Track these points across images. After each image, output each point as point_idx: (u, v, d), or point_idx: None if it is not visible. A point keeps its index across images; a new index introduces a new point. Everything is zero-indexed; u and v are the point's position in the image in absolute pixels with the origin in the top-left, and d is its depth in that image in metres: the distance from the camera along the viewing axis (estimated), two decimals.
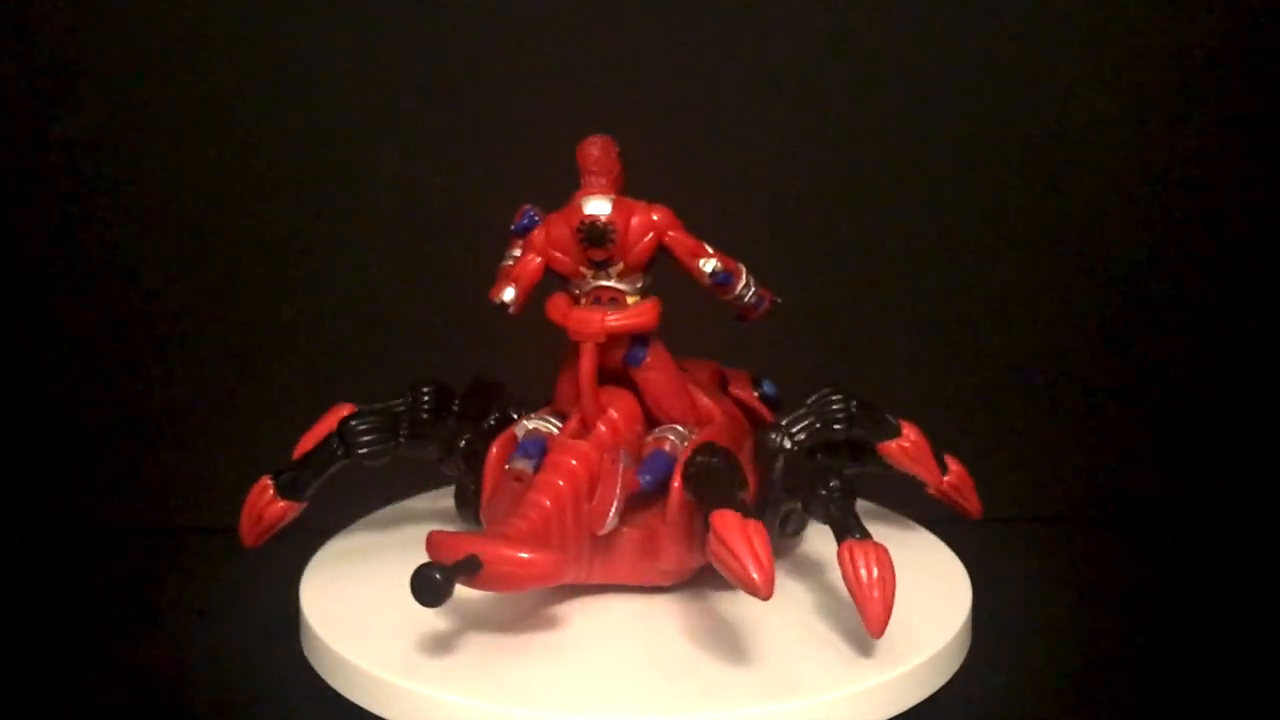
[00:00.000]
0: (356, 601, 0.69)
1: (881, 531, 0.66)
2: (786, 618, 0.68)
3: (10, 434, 0.96)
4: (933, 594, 0.70)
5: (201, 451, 0.97)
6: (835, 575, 0.71)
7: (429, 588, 0.59)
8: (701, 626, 0.67)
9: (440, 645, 0.64)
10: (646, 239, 0.67)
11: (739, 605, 0.68)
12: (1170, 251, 0.97)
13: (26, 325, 0.95)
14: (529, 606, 0.69)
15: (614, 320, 0.67)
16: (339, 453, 0.70)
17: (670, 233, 0.67)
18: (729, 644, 0.65)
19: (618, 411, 0.69)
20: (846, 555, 0.61)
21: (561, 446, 0.67)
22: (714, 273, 0.67)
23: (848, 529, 0.62)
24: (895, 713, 0.62)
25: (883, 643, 0.64)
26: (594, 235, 0.67)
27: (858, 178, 0.97)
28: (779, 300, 0.71)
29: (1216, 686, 0.74)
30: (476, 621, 0.67)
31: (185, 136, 0.94)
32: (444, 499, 0.81)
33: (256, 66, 0.94)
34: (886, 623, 0.60)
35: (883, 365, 0.98)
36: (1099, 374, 0.99)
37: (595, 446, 0.67)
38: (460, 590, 0.68)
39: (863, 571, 0.60)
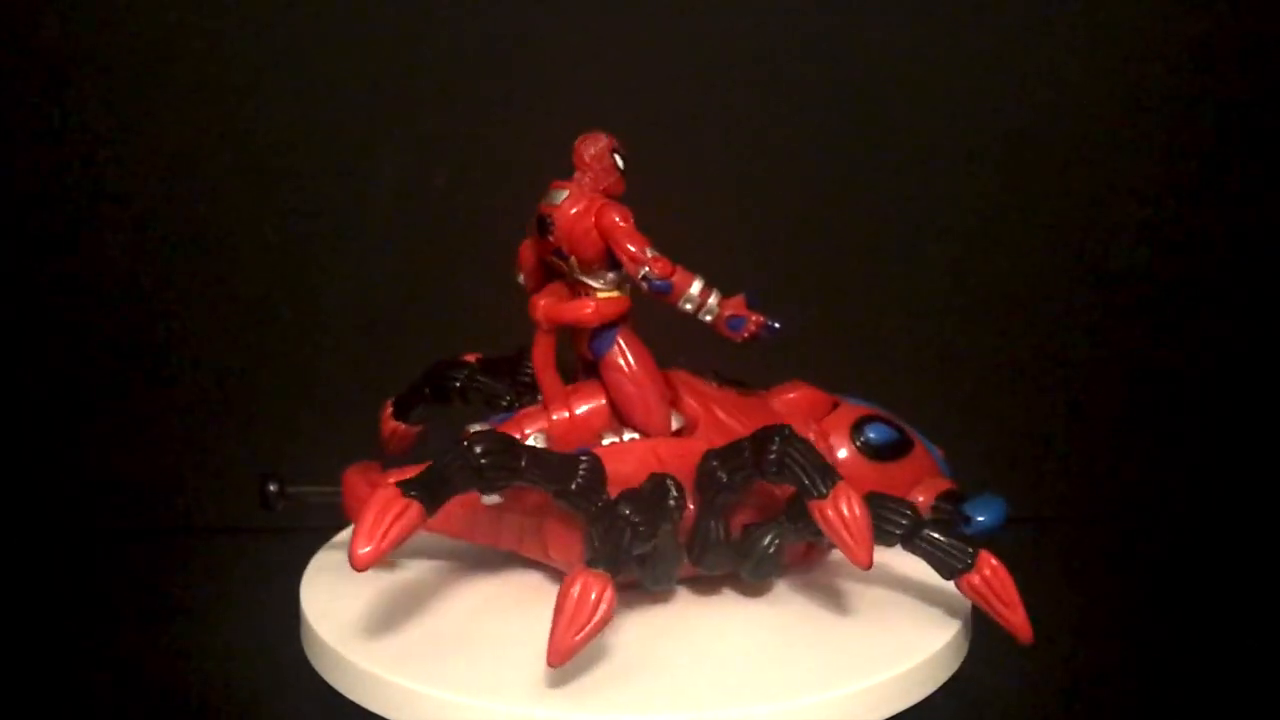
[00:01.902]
0: (357, 601, 0.69)
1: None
2: (788, 617, 0.68)
3: (10, 434, 0.96)
4: (933, 594, 0.70)
5: (202, 451, 0.97)
6: (837, 578, 0.72)
7: (261, 494, 0.71)
8: (703, 626, 0.67)
9: (440, 644, 0.64)
10: (591, 235, 0.67)
11: (741, 605, 0.69)
12: (1171, 251, 0.97)
13: (26, 325, 0.95)
14: (530, 606, 0.69)
15: (548, 309, 0.69)
16: (425, 391, 0.76)
17: (611, 233, 0.67)
18: (730, 643, 0.65)
19: (581, 403, 0.69)
20: (571, 579, 0.60)
21: (511, 422, 0.69)
22: (645, 278, 0.67)
23: (596, 557, 0.61)
24: (895, 712, 0.62)
25: (883, 643, 0.64)
26: (538, 225, 0.69)
27: (858, 177, 0.97)
28: (775, 326, 0.69)
29: (1217, 686, 0.74)
30: (477, 621, 0.67)
31: (186, 137, 0.94)
32: None
33: (258, 66, 0.94)
34: (567, 657, 0.59)
35: (883, 365, 0.98)
36: (1100, 374, 0.99)
37: (526, 426, 0.69)
38: (461, 591, 0.68)
39: (573, 596, 0.59)
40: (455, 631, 0.66)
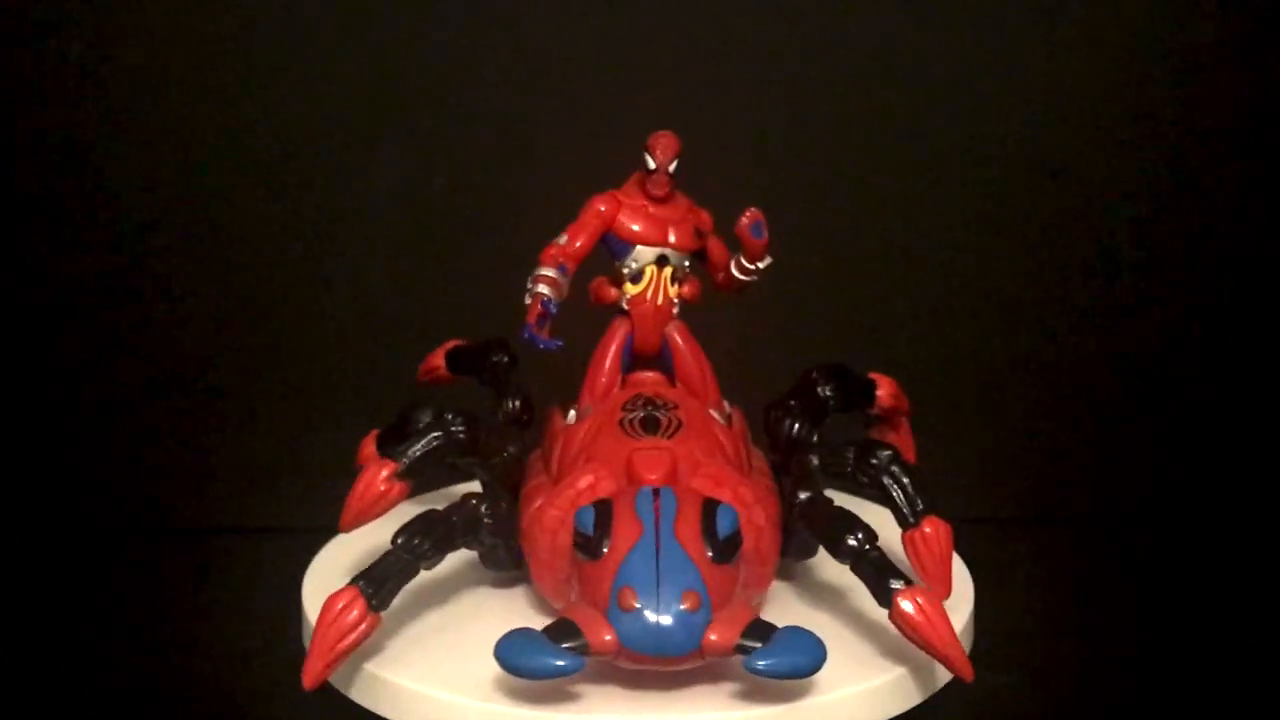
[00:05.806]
0: None
1: (884, 531, 0.66)
2: (786, 619, 0.68)
3: (11, 434, 0.96)
4: None
5: (203, 452, 0.97)
6: (836, 578, 0.72)
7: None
8: None
9: (441, 644, 0.65)
10: None
11: None
12: (1171, 251, 0.97)
13: (26, 325, 0.95)
14: (529, 606, 0.69)
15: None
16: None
17: None
18: None
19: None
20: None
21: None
22: None
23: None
24: (895, 713, 0.62)
25: (883, 643, 0.64)
26: None
27: (857, 175, 0.97)
28: (536, 339, 0.68)
29: (1217, 687, 0.74)
30: (478, 621, 0.67)
31: (187, 137, 0.94)
32: (444, 500, 0.81)
33: (258, 66, 0.94)
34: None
35: (883, 365, 0.97)
36: (1099, 374, 0.99)
37: None
38: (461, 591, 0.69)
39: None
40: (454, 631, 0.66)
